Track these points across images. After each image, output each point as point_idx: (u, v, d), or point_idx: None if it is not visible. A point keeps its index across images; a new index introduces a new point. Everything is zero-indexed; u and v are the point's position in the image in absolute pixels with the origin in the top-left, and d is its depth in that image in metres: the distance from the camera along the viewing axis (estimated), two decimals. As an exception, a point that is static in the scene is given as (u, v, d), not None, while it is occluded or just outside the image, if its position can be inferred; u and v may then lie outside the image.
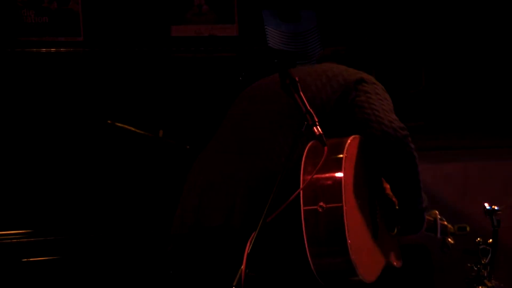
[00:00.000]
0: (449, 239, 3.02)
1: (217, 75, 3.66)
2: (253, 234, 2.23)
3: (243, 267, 2.15)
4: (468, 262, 2.78)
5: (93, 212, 3.44)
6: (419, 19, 5.21)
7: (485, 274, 2.73)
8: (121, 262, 3.26)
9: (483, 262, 2.75)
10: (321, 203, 2.31)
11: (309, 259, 2.32)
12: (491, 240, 2.75)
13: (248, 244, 2.21)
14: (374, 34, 5.13)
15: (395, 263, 2.57)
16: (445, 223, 3.04)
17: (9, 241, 3.10)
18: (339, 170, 2.35)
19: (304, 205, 2.33)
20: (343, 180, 2.33)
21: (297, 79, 2.41)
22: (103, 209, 3.50)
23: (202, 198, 2.52)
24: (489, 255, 2.74)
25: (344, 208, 2.29)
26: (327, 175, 2.34)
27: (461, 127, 5.14)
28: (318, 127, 2.32)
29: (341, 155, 2.37)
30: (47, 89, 3.68)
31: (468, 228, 3.08)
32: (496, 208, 2.77)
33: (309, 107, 2.35)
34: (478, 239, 2.79)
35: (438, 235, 2.90)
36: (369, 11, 5.12)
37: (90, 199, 3.55)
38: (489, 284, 2.71)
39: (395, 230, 2.60)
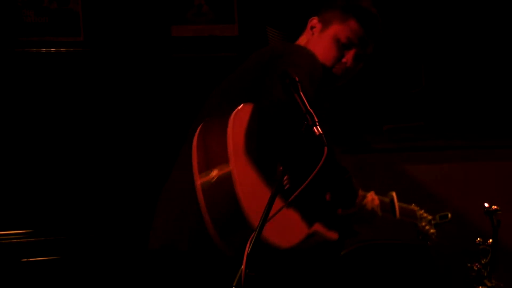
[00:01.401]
0: (427, 227, 3.03)
1: (217, 75, 3.66)
2: (253, 234, 2.23)
3: (243, 267, 2.15)
4: (468, 262, 2.78)
5: (93, 212, 3.44)
6: (419, 19, 5.21)
7: (485, 274, 2.73)
8: (121, 262, 3.26)
9: (483, 262, 2.74)
10: (214, 171, 2.33)
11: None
12: (491, 240, 2.75)
13: (248, 244, 2.21)
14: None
15: (327, 234, 2.54)
16: (413, 207, 3.07)
17: (9, 241, 3.10)
18: (224, 135, 2.34)
19: (200, 178, 2.33)
20: (229, 145, 2.33)
21: (297, 79, 2.42)
22: (103, 209, 3.50)
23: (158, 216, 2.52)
24: (489, 255, 2.73)
25: (234, 174, 2.29)
26: (214, 143, 2.37)
27: (461, 127, 5.14)
28: (318, 127, 2.32)
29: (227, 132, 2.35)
30: (47, 89, 3.68)
31: (449, 215, 3.09)
32: (496, 208, 2.77)
33: (309, 107, 2.35)
34: (478, 239, 2.78)
35: (398, 215, 2.92)
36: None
37: (90, 199, 3.55)
38: (489, 284, 2.71)
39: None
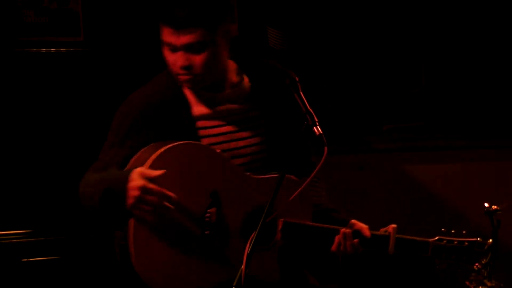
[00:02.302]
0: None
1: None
2: (253, 234, 2.24)
3: (243, 267, 2.15)
4: (493, 249, 2.78)
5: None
6: (419, 19, 5.21)
7: (485, 274, 2.73)
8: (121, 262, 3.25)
9: (483, 262, 2.75)
10: None
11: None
12: (491, 240, 2.75)
13: (248, 244, 2.21)
14: (374, 34, 5.13)
15: (263, 278, 2.54)
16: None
17: (9, 241, 3.10)
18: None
19: None
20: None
21: (297, 79, 2.42)
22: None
23: None
24: (489, 255, 2.73)
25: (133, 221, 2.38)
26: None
27: (461, 127, 5.14)
28: (318, 127, 2.32)
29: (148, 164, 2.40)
30: (47, 89, 3.68)
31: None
32: (496, 208, 2.77)
33: (309, 107, 2.35)
34: (478, 239, 2.78)
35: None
36: (369, 11, 5.12)
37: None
38: (489, 284, 2.71)
39: (274, 241, 2.56)
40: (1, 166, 3.52)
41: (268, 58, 2.79)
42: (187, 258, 2.46)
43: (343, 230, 2.55)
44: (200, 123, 2.58)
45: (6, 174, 3.50)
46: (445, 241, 2.72)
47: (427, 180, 4.63)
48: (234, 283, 2.16)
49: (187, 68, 2.50)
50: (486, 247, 2.66)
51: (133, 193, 2.35)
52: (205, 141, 2.57)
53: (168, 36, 2.47)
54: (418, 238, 2.63)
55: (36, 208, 3.40)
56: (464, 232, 2.68)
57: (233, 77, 2.65)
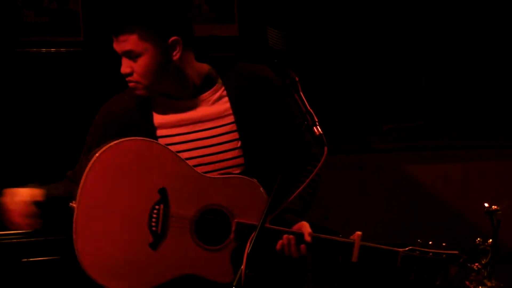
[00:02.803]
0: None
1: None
2: (253, 234, 2.23)
3: (243, 267, 2.15)
4: (468, 262, 2.77)
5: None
6: (419, 19, 5.21)
7: (485, 274, 2.73)
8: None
9: (483, 262, 2.74)
10: (73, 202, 2.49)
11: None
12: (491, 240, 2.74)
13: (248, 244, 2.21)
14: (374, 34, 5.13)
15: (213, 278, 2.53)
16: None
17: (9, 241, 3.09)
18: (84, 173, 2.48)
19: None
20: (82, 184, 2.47)
21: (297, 79, 2.42)
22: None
23: None
24: (489, 255, 2.73)
25: (76, 211, 2.45)
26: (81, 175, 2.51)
27: (461, 127, 5.14)
28: (318, 127, 2.32)
29: (93, 159, 2.48)
30: (47, 89, 3.68)
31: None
32: (496, 208, 2.76)
33: (309, 107, 2.35)
34: (478, 239, 2.78)
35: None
36: (369, 11, 5.12)
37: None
38: (489, 284, 2.71)
39: (227, 242, 2.53)
40: (1, 165, 3.52)
41: (245, 62, 2.75)
42: (132, 253, 2.47)
43: (286, 235, 2.48)
44: (160, 132, 2.58)
45: (6, 174, 3.50)
46: (417, 252, 2.52)
47: (427, 180, 4.63)
48: (234, 283, 2.15)
49: (128, 75, 2.54)
50: (461, 260, 2.57)
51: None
52: None
53: (114, 44, 2.55)
54: (386, 247, 2.48)
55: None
56: (443, 244, 2.58)
57: (203, 82, 2.61)
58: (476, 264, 2.74)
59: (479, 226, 4.36)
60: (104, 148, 2.48)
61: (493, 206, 2.75)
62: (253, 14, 4.51)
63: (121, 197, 2.47)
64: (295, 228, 2.52)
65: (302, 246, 2.47)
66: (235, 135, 2.59)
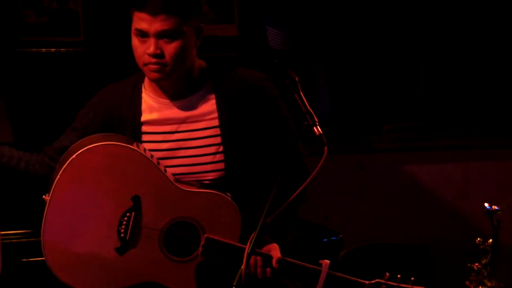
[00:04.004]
0: None
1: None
2: (253, 234, 2.23)
3: (243, 267, 2.15)
4: (468, 262, 2.78)
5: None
6: (419, 19, 5.21)
7: (485, 274, 2.73)
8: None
9: (483, 262, 2.74)
10: (46, 195, 2.53)
11: None
12: (491, 240, 2.75)
13: (248, 244, 2.21)
14: (374, 34, 5.13)
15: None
16: None
17: (9, 241, 3.09)
18: (60, 169, 2.50)
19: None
20: (57, 178, 2.49)
21: (297, 79, 2.42)
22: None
23: None
24: (489, 255, 2.73)
25: (48, 205, 2.50)
26: (58, 166, 2.54)
27: (461, 127, 5.14)
28: (318, 127, 2.32)
29: (71, 158, 2.49)
30: (47, 89, 3.68)
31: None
32: (496, 208, 2.76)
33: (309, 107, 2.35)
34: (478, 239, 2.78)
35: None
36: (369, 11, 5.12)
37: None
38: (489, 284, 2.71)
39: (194, 255, 2.54)
40: (1, 166, 3.52)
41: (240, 66, 2.74)
42: (98, 255, 2.49)
43: (253, 255, 2.47)
44: (145, 128, 2.60)
45: (6, 174, 3.50)
46: (383, 286, 2.49)
47: (427, 180, 4.63)
48: (234, 283, 2.15)
49: (158, 56, 2.48)
50: None
51: None
52: (148, 146, 2.58)
53: (142, 22, 2.46)
54: (352, 278, 2.46)
55: (36, 208, 3.40)
56: (412, 278, 2.54)
57: (196, 80, 2.61)
58: (476, 264, 2.75)
59: (479, 226, 4.36)
60: (83, 149, 2.49)
61: (493, 206, 2.75)
62: (253, 14, 4.51)
63: (94, 199, 2.48)
64: (265, 249, 2.52)
65: (268, 269, 2.48)
66: (218, 140, 2.59)
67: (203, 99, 2.61)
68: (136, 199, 2.49)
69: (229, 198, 2.53)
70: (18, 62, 3.64)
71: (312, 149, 2.87)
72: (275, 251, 2.51)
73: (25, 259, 3.08)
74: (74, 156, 2.48)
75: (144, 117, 2.61)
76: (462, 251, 2.93)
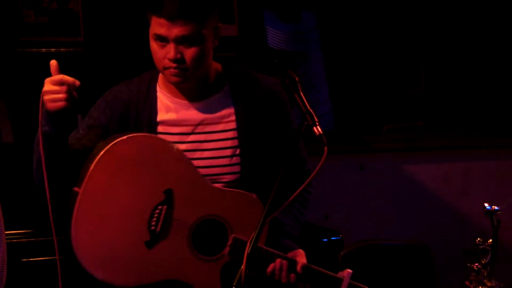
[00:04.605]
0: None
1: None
2: (253, 234, 2.23)
3: (243, 267, 2.14)
4: (468, 262, 2.78)
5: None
6: (419, 19, 5.21)
7: (485, 274, 2.73)
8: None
9: (483, 262, 2.74)
10: (76, 187, 2.46)
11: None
12: (491, 240, 2.75)
13: (248, 244, 2.21)
14: (374, 34, 5.13)
15: (198, 287, 2.51)
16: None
17: (9, 241, 3.10)
18: (94, 160, 2.43)
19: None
20: (90, 171, 2.42)
21: (297, 79, 2.41)
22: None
23: None
24: (489, 255, 2.73)
25: (80, 196, 2.42)
26: (91, 161, 2.47)
27: (461, 127, 5.14)
28: (318, 127, 2.31)
29: (104, 149, 2.44)
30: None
31: None
32: (496, 208, 2.76)
33: (309, 107, 2.35)
34: (478, 239, 2.78)
35: None
36: (369, 11, 5.12)
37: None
38: (489, 284, 2.71)
39: (220, 255, 2.52)
40: (1, 166, 3.52)
41: (262, 70, 2.74)
42: (126, 247, 2.45)
43: (279, 259, 2.49)
44: (161, 128, 2.57)
45: (6, 174, 3.50)
46: None
47: (427, 180, 4.63)
48: (234, 283, 2.15)
49: (178, 61, 2.45)
50: None
51: (43, 91, 2.52)
52: None
53: (160, 28, 2.44)
54: None
55: (36, 208, 3.40)
56: None
57: (214, 82, 2.60)
58: (476, 264, 2.75)
59: (479, 226, 4.37)
60: (117, 140, 2.45)
61: (493, 206, 2.75)
62: (253, 14, 4.51)
63: (126, 190, 2.45)
64: (291, 254, 2.54)
65: (292, 274, 2.49)
66: (235, 142, 2.58)
67: (221, 102, 2.59)
68: (168, 193, 2.47)
69: (258, 200, 2.53)
70: (18, 62, 3.64)
71: (312, 149, 2.88)
72: (301, 256, 2.53)
73: (25, 259, 3.08)
74: (109, 145, 2.43)
75: (160, 117, 2.58)
76: (462, 251, 2.92)
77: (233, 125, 2.58)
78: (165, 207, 2.47)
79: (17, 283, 3.07)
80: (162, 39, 2.46)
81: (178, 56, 2.45)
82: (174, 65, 2.46)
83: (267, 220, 2.24)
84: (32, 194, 3.39)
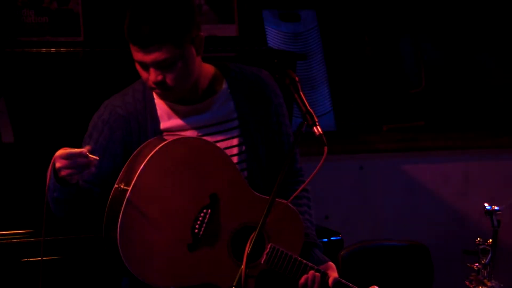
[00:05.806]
0: None
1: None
2: (253, 234, 2.23)
3: (243, 267, 2.15)
4: (468, 262, 2.78)
5: (93, 212, 3.43)
6: (420, 19, 5.21)
7: (485, 274, 2.73)
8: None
9: (483, 262, 2.74)
10: (122, 184, 2.43)
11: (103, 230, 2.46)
12: (491, 240, 2.75)
13: (248, 244, 2.21)
14: (374, 34, 5.13)
15: None
16: None
17: (9, 241, 3.10)
18: (143, 159, 2.41)
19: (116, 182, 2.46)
20: (143, 165, 2.39)
21: (297, 79, 2.42)
22: (103, 209, 3.49)
23: None
24: (489, 255, 2.73)
25: (129, 193, 2.38)
26: (138, 159, 2.45)
27: (461, 127, 5.14)
28: (318, 127, 2.32)
29: (156, 148, 2.42)
30: (47, 89, 3.68)
31: None
32: (496, 208, 2.76)
33: (309, 107, 2.35)
34: (478, 239, 2.78)
35: None
36: (369, 11, 5.12)
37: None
38: (489, 284, 2.71)
39: (257, 263, 2.52)
40: (1, 166, 3.53)
41: (255, 65, 2.73)
42: (168, 248, 2.43)
43: (312, 271, 2.50)
44: (167, 136, 2.54)
45: (6, 174, 3.50)
46: None
47: (427, 180, 4.63)
48: (234, 283, 2.16)
49: (160, 83, 2.43)
50: None
51: (56, 166, 2.37)
52: None
53: (136, 54, 2.41)
54: None
55: (36, 208, 3.40)
56: None
57: (209, 85, 2.57)
58: (476, 264, 2.75)
59: (479, 226, 4.37)
60: (168, 141, 2.43)
61: (493, 206, 2.75)
62: (253, 14, 4.51)
63: (173, 191, 2.43)
64: (323, 267, 2.56)
65: None
66: (240, 140, 2.58)
67: (221, 102, 2.58)
68: (214, 197, 2.46)
69: (295, 210, 2.55)
70: (18, 62, 3.64)
71: (312, 149, 2.88)
72: (332, 270, 2.56)
73: (25, 259, 3.08)
74: (161, 145, 2.41)
75: (163, 125, 2.55)
76: (462, 251, 2.92)
77: (236, 123, 2.58)
78: (209, 211, 2.46)
79: (17, 283, 3.07)
80: (141, 64, 2.43)
81: (159, 78, 2.42)
82: (157, 87, 2.44)
83: (267, 220, 2.25)
84: (32, 194, 3.40)
